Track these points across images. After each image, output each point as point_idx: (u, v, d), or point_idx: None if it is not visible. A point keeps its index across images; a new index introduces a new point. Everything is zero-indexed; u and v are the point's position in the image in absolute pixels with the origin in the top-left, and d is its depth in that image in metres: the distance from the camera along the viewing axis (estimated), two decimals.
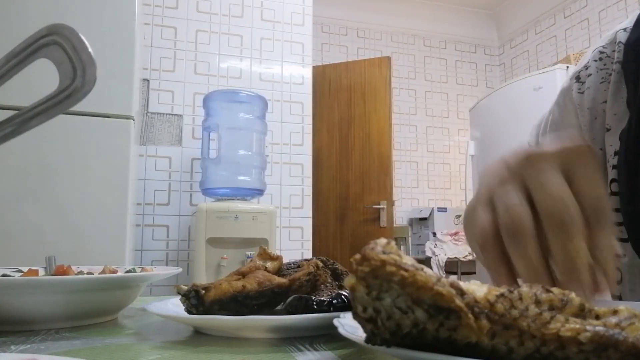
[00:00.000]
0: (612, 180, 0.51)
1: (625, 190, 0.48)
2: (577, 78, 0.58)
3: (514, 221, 0.31)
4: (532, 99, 2.62)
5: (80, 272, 0.59)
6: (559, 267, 0.30)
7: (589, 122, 0.55)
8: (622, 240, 0.50)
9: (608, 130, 0.52)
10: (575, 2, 3.70)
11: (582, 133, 0.56)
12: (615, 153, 0.51)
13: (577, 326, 0.21)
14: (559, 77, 2.54)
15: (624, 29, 0.55)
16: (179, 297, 0.45)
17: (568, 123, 0.58)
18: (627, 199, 0.48)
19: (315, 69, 3.11)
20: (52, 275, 0.57)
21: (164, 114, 2.42)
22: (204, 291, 0.43)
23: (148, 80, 2.40)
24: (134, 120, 1.60)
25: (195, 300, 0.43)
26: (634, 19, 0.54)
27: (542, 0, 4.01)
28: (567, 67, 2.58)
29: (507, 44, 4.48)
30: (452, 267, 3.66)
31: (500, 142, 2.84)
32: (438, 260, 3.56)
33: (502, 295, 0.23)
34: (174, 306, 0.47)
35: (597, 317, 0.23)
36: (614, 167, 0.51)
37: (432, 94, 4.36)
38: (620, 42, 0.54)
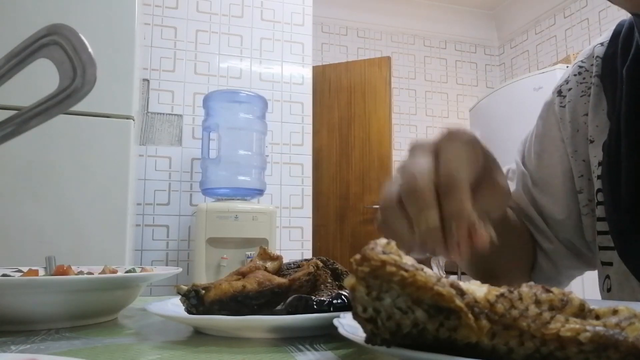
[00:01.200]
0: (598, 190, 0.52)
1: (609, 200, 0.49)
2: (559, 92, 0.60)
3: (409, 181, 0.34)
4: (532, 99, 2.62)
5: (80, 272, 0.59)
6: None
7: (571, 134, 0.57)
8: (608, 248, 0.51)
9: (591, 142, 0.54)
10: (575, 2, 3.70)
11: (565, 145, 0.57)
12: (599, 164, 0.52)
13: (577, 326, 0.21)
14: (559, 77, 2.54)
15: (601, 44, 0.57)
16: (179, 297, 0.45)
17: (550, 136, 0.59)
18: (611, 208, 0.49)
19: (315, 69, 3.11)
20: (52, 275, 0.57)
21: (164, 114, 2.42)
22: (204, 291, 0.43)
23: (148, 80, 2.40)
24: (134, 120, 1.60)
25: (195, 300, 0.43)
26: (610, 34, 0.56)
27: (542, 0, 4.01)
28: (567, 67, 2.57)
29: (507, 44, 4.48)
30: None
31: (500, 142, 2.84)
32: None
33: (502, 295, 0.23)
34: (174, 306, 0.47)
35: (597, 317, 0.23)
36: (598, 177, 0.52)
37: (432, 94, 4.36)
38: (597, 56, 0.56)
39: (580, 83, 0.57)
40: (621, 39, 0.54)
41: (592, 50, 0.57)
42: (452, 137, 0.37)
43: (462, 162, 0.35)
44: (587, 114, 0.55)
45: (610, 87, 0.52)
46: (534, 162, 0.60)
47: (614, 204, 0.49)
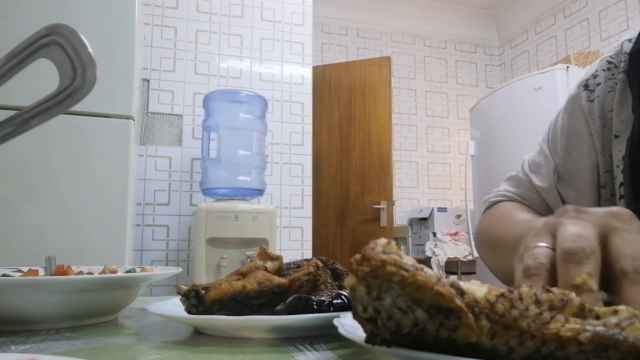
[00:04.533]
0: (622, 184, 0.53)
1: (630, 190, 0.50)
2: (586, 86, 0.60)
3: (529, 263, 0.31)
4: (532, 99, 2.62)
5: (80, 272, 0.59)
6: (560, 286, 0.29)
7: (600, 129, 0.57)
8: None
9: (616, 137, 0.54)
10: (575, 2, 3.70)
11: (593, 139, 0.57)
12: (623, 158, 0.53)
13: (577, 326, 0.21)
14: (559, 77, 2.54)
15: (629, 40, 0.57)
16: (179, 297, 0.45)
17: (577, 130, 0.59)
18: (631, 197, 0.50)
19: (315, 69, 3.11)
20: (52, 275, 0.57)
21: (164, 114, 2.42)
22: (204, 291, 0.43)
23: (148, 80, 2.40)
24: (134, 120, 1.60)
25: (195, 300, 0.43)
26: (639, 30, 0.56)
27: (542, 0, 4.01)
28: (567, 67, 2.58)
29: (507, 44, 4.48)
30: (452, 267, 3.66)
31: (500, 142, 2.84)
32: (438, 260, 3.56)
33: (502, 295, 0.23)
34: (174, 306, 0.47)
35: (597, 317, 0.23)
36: (622, 171, 0.53)
37: (432, 94, 4.36)
38: (625, 52, 0.56)
39: (609, 79, 0.57)
40: None
41: (621, 46, 0.57)
42: (625, 219, 0.32)
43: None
44: (612, 110, 0.55)
45: (636, 83, 0.53)
46: (561, 156, 0.61)
47: (633, 193, 0.49)
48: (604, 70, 0.58)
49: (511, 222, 0.57)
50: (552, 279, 0.30)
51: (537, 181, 0.63)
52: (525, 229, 0.43)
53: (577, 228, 0.31)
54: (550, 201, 0.61)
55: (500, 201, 0.68)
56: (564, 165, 0.60)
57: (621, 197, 0.53)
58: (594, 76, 0.59)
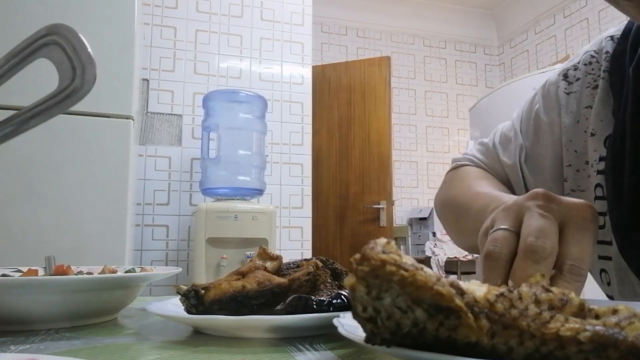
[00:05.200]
0: (597, 185, 0.52)
1: (612, 196, 0.50)
2: (565, 76, 0.59)
3: (490, 249, 0.34)
4: None
5: (80, 272, 0.59)
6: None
7: (571, 124, 0.57)
8: (604, 242, 0.51)
9: (593, 135, 0.54)
10: (575, 2, 3.71)
11: (561, 132, 0.58)
12: (601, 159, 0.52)
13: (577, 326, 0.21)
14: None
15: (611, 37, 0.56)
16: (179, 297, 0.45)
17: (549, 118, 0.60)
18: (614, 204, 0.49)
19: (315, 68, 3.11)
20: (51, 275, 0.57)
21: (163, 113, 2.42)
22: (203, 291, 0.43)
23: (148, 80, 2.40)
24: (133, 120, 1.60)
25: (195, 300, 0.43)
26: (622, 28, 0.55)
27: (542, 0, 4.01)
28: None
29: (507, 44, 4.48)
30: (452, 266, 3.66)
31: None
32: (438, 260, 3.56)
33: (501, 294, 0.23)
34: (174, 306, 0.47)
35: (597, 317, 0.23)
36: (599, 172, 0.52)
37: (432, 94, 4.36)
38: (607, 51, 0.55)
39: (589, 74, 0.57)
40: (631, 38, 0.53)
41: (603, 42, 0.57)
42: (588, 218, 0.36)
43: (587, 255, 0.36)
44: (589, 107, 0.55)
45: (617, 85, 0.52)
46: (532, 138, 0.61)
47: (617, 200, 0.49)
48: (585, 64, 0.57)
49: (477, 192, 0.57)
50: (510, 269, 0.34)
51: (503, 156, 0.64)
52: (489, 203, 0.47)
53: (543, 222, 0.34)
54: (513, 178, 0.62)
55: (467, 165, 0.69)
56: (532, 148, 0.61)
57: (597, 197, 0.52)
58: (575, 68, 0.58)
